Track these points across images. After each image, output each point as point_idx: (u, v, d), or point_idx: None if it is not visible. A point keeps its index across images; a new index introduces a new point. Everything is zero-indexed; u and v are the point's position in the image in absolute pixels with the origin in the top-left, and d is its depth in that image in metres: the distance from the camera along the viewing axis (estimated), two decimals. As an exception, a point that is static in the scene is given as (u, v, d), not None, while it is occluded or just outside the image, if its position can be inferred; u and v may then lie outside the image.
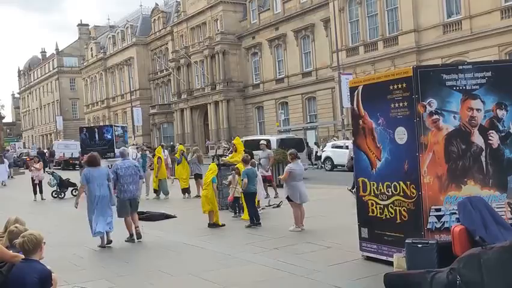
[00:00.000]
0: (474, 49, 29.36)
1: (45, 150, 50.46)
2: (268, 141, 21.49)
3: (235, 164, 14.24)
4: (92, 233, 9.87)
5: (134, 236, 10.28)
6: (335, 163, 27.14)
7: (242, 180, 11.46)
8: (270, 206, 13.87)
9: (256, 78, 51.29)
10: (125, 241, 10.23)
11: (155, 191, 17.96)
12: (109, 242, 9.96)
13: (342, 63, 36.01)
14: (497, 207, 6.71)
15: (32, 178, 19.59)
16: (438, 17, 32.23)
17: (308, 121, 44.20)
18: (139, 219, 13.01)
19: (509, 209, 6.76)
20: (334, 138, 34.78)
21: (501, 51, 28.93)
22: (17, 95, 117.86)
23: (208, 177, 11.73)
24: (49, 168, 35.31)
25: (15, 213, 5.91)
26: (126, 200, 10.30)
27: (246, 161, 12.00)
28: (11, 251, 4.62)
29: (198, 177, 16.93)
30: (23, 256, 4.45)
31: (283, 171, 13.21)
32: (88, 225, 10.06)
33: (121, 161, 10.70)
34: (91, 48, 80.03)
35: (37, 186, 19.32)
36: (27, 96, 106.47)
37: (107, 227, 9.90)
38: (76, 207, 10.16)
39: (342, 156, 25.12)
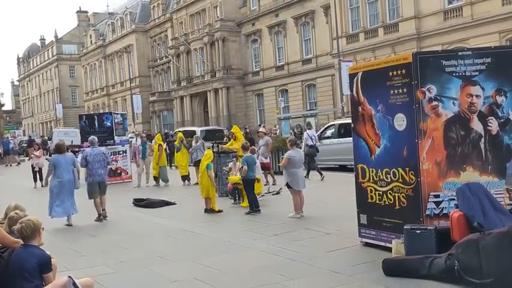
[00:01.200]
0: (475, 36, 29.22)
1: (45, 138, 50.48)
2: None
3: (235, 151, 14.27)
4: (49, 214, 10.60)
5: (102, 216, 11.30)
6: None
7: (242, 167, 11.49)
8: (269, 193, 13.90)
9: (256, 66, 51.12)
10: (95, 220, 11.17)
11: (155, 178, 18.01)
12: (70, 224, 10.84)
13: (342, 50, 35.85)
14: (496, 194, 6.73)
15: (32, 166, 19.63)
16: (439, 3, 32.04)
17: (308, 108, 44.10)
18: (139, 206, 13.17)
19: (508, 195, 6.77)
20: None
21: (502, 37, 28.79)
22: (16, 83, 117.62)
23: (204, 164, 11.76)
24: (49, 155, 35.35)
25: (15, 200, 5.94)
26: (95, 183, 11.26)
27: (245, 148, 12.02)
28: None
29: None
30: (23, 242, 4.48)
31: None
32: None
33: (90, 148, 11.77)
34: (90, 35, 79.70)
35: (37, 173, 19.36)
36: (27, 83, 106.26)
37: (71, 209, 10.82)
38: (44, 186, 11.82)
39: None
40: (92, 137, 12.31)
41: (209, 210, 11.53)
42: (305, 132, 18.62)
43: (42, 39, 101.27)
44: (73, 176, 10.82)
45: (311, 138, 17.45)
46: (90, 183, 11.27)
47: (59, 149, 11.19)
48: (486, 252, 5.65)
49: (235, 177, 12.53)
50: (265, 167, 15.80)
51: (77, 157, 21.11)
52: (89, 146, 12.24)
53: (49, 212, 10.71)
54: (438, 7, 32.08)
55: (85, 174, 11.39)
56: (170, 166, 22.13)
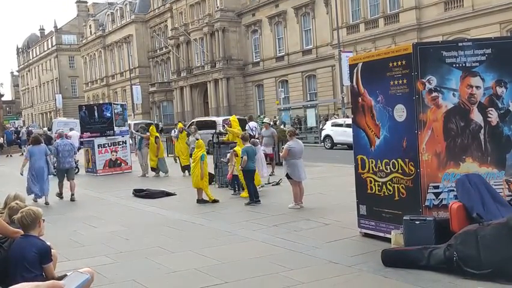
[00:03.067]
0: (475, 26, 29.14)
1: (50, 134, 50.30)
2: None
3: (235, 142, 14.29)
4: (27, 193, 11.93)
5: (62, 194, 13.50)
6: (334, 141, 27.16)
7: (242, 157, 11.49)
8: (269, 183, 13.92)
9: (256, 56, 50.99)
10: (55, 195, 13.29)
11: (153, 169, 17.96)
12: (47, 203, 12.45)
13: (342, 41, 35.76)
14: (495, 185, 6.74)
15: None
16: (439, -7, 31.93)
17: (308, 99, 44.05)
18: (139, 196, 13.20)
19: (507, 187, 6.78)
20: (335, 116, 34.70)
21: (502, 28, 28.71)
22: (16, 73, 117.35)
23: (198, 155, 11.77)
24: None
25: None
26: (64, 169, 13.42)
27: (245, 139, 12.02)
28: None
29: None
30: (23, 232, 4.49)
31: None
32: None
33: (60, 140, 13.94)
34: (90, 25, 79.39)
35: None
36: (26, 74, 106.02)
37: (45, 190, 12.55)
38: (22, 175, 12.72)
39: (342, 135, 25.15)
40: (60, 130, 14.53)
41: (201, 201, 11.58)
42: (247, 125, 20.08)
43: (42, 30, 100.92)
44: (45, 163, 12.65)
45: (252, 130, 18.44)
46: (59, 169, 13.49)
47: (35, 141, 13.14)
48: (485, 242, 5.67)
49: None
50: (268, 157, 15.95)
51: (80, 148, 21.43)
52: (81, 137, 13.15)
53: (27, 192, 12.13)
54: (439, -3, 31.96)
55: (56, 162, 13.67)
56: (168, 156, 22.09)
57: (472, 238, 5.78)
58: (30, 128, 47.62)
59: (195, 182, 11.77)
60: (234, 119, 16.66)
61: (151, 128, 19.13)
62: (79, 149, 20.49)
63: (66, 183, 13.43)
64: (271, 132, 16.97)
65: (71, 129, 25.11)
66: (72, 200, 13.05)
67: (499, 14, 28.69)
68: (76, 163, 19.70)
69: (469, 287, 5.50)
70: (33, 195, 12.48)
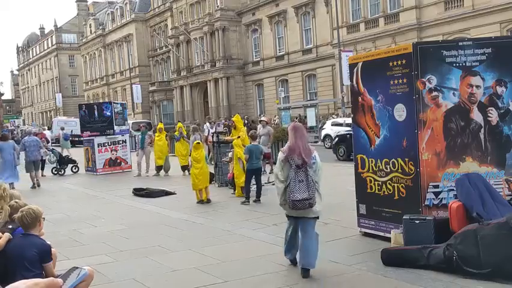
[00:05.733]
0: (475, 26, 29.14)
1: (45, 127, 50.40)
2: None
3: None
4: None
5: (36, 185, 15.87)
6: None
7: (244, 155, 11.48)
8: (269, 183, 13.91)
9: (256, 55, 50.98)
10: (30, 188, 15.43)
11: (159, 167, 17.88)
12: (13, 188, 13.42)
13: (342, 40, 35.76)
14: (495, 184, 6.73)
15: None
16: (440, -7, 31.92)
17: (308, 99, 44.06)
18: (139, 195, 13.21)
19: (507, 186, 6.78)
20: (333, 116, 34.71)
21: (503, 28, 28.70)
22: (16, 72, 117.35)
23: (203, 155, 11.75)
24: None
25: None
26: (31, 161, 15.98)
27: (253, 138, 12.02)
28: (10, 226, 4.67)
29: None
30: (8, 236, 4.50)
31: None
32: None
33: (28, 137, 16.95)
34: (90, 24, 79.40)
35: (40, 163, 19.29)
36: (26, 73, 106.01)
37: (14, 179, 14.69)
38: None
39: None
40: (29, 128, 17.20)
41: (202, 201, 11.58)
42: (205, 125, 21.61)
43: (42, 29, 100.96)
44: (12, 156, 14.95)
45: (208, 131, 19.82)
46: (27, 161, 16.00)
47: (4, 138, 15.57)
48: (484, 242, 5.67)
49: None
50: (265, 157, 15.79)
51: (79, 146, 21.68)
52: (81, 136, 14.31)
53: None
54: (439, -3, 31.95)
55: (24, 155, 15.99)
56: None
57: (471, 238, 5.78)
58: (25, 128, 48.12)
59: (196, 184, 11.67)
60: (238, 119, 16.36)
61: (159, 126, 19.22)
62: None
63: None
64: (268, 131, 16.89)
65: (44, 129, 30.38)
66: (38, 185, 15.84)
67: (499, 13, 28.68)
68: (75, 162, 19.80)
69: (469, 286, 5.50)
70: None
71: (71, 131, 39.15)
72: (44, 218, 4.68)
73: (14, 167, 14.97)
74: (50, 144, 21.79)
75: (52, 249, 4.67)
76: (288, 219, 6.38)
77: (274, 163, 16.27)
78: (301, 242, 6.17)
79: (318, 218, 6.27)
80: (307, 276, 6.02)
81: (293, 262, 6.44)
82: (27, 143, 16.17)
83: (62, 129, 28.63)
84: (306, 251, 6.10)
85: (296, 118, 34.78)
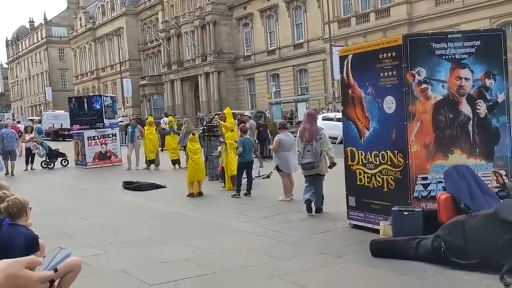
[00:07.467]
0: (466, 21, 29.26)
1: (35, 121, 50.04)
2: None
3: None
4: None
5: (9, 172, 17.28)
6: (325, 135, 27.28)
7: (237, 148, 11.45)
8: (260, 176, 13.92)
9: (247, 50, 50.88)
10: (5, 175, 16.51)
11: (151, 161, 17.80)
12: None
13: (333, 35, 35.77)
14: (483, 176, 6.78)
15: (29, 148, 19.37)
16: (430, -12, 32.02)
17: (299, 93, 44.09)
18: (129, 189, 13.17)
19: (495, 178, 6.83)
20: (323, 111, 34.75)
21: (493, 23, 28.85)
22: (5, 65, 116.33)
23: (198, 148, 11.74)
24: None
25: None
26: (6, 151, 17.49)
27: (243, 131, 12.00)
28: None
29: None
30: None
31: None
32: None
33: (4, 129, 18.42)
34: (80, 18, 78.76)
35: (30, 156, 19.17)
36: (16, 66, 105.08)
37: None
38: None
39: (332, 129, 25.16)
40: (6, 122, 18.40)
41: (193, 194, 11.57)
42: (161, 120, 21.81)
43: (32, 22, 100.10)
44: None
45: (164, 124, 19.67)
46: (4, 152, 17.61)
47: None
48: (472, 233, 5.71)
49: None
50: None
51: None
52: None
53: None
54: (430, -8, 32.05)
55: (1, 146, 17.27)
56: (162, 150, 22.03)
57: (459, 229, 5.82)
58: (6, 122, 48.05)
59: (193, 175, 11.62)
60: (228, 111, 16.34)
61: (149, 120, 19.09)
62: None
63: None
64: (250, 125, 16.83)
65: (18, 122, 33.93)
66: (12, 174, 17.11)
67: (489, 8, 28.84)
68: (65, 156, 19.69)
69: (456, 276, 5.54)
70: None
71: (61, 124, 38.95)
72: (30, 208, 4.66)
73: None
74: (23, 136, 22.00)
75: (40, 240, 4.65)
76: (305, 178, 9.04)
77: (267, 157, 16.46)
78: (314, 189, 8.89)
79: (324, 175, 9.05)
80: (319, 211, 8.88)
81: (309, 201, 8.87)
82: (4, 135, 17.64)
83: (38, 122, 29.48)
84: (316, 196, 8.93)
85: (288, 113, 34.86)
